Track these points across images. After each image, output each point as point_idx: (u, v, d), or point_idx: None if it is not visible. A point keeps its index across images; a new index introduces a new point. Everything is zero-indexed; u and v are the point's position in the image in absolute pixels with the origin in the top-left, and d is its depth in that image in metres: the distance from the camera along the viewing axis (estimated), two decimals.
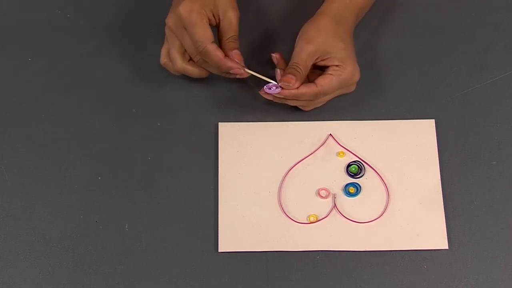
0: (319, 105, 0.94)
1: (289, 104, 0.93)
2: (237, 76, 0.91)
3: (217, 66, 0.90)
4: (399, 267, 0.89)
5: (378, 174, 0.93)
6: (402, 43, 1.00)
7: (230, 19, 0.91)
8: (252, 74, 0.91)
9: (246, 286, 0.88)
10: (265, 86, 0.90)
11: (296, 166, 0.93)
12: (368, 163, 0.93)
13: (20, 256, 0.89)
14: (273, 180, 0.93)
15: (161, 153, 0.94)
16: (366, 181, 0.93)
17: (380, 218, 0.91)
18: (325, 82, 0.90)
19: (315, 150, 0.94)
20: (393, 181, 0.93)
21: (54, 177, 0.93)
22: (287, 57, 0.92)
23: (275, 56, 0.92)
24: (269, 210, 0.91)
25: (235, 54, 0.90)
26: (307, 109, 0.95)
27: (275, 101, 0.91)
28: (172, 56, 0.92)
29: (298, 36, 0.91)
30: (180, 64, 0.92)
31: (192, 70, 0.92)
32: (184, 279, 0.88)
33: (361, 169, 0.93)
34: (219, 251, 0.89)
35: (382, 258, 0.89)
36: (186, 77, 0.94)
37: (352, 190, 0.92)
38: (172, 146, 0.95)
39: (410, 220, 0.91)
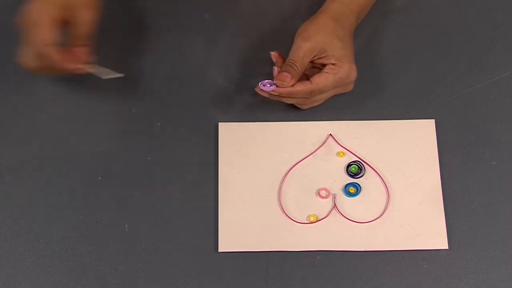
0: (316, 104, 0.94)
1: (285, 101, 0.93)
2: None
3: (56, 68, 0.89)
4: (399, 267, 0.89)
5: (378, 174, 0.93)
6: (402, 43, 1.00)
7: (82, 17, 0.89)
8: (92, 72, 0.91)
9: (246, 286, 0.88)
10: (260, 83, 0.90)
11: (296, 166, 0.93)
12: (368, 163, 0.93)
13: (20, 256, 0.89)
14: (273, 180, 0.93)
15: (161, 153, 0.94)
16: (366, 181, 0.93)
17: (380, 218, 0.91)
18: (320, 80, 0.90)
19: (315, 150, 0.94)
20: (393, 181, 0.93)
21: (54, 177, 0.93)
22: (286, 57, 0.91)
23: (273, 55, 0.93)
24: (269, 210, 0.91)
25: (79, 52, 0.89)
26: (304, 107, 0.95)
27: (271, 98, 0.91)
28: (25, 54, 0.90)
29: (297, 33, 0.91)
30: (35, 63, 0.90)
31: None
32: (184, 279, 0.88)
33: (361, 169, 0.93)
34: (219, 251, 0.89)
35: (382, 258, 0.89)
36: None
37: (352, 190, 0.92)
38: (172, 146, 0.95)
39: (410, 220, 0.91)
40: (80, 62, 0.89)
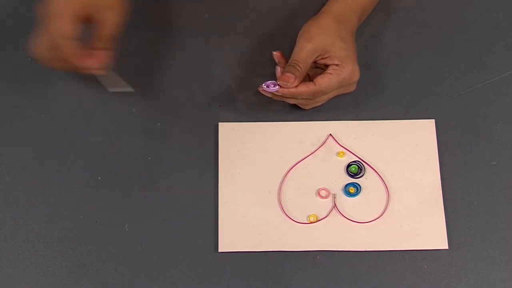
0: (319, 104, 0.94)
1: (288, 102, 0.93)
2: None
3: (68, 63, 0.86)
4: (399, 267, 0.89)
5: (378, 174, 0.93)
6: (402, 43, 1.00)
7: (105, 18, 0.87)
8: (101, 80, 0.89)
9: (246, 286, 0.88)
10: (263, 84, 0.90)
11: (296, 166, 0.93)
12: (368, 163, 0.93)
13: (20, 256, 0.89)
14: (273, 180, 0.93)
15: (161, 153, 0.94)
16: (366, 181, 0.93)
17: (380, 218, 0.91)
18: (324, 81, 0.90)
19: (315, 150, 0.94)
20: (393, 181, 0.93)
21: (54, 177, 0.93)
22: (288, 57, 0.91)
23: (276, 55, 0.93)
24: (269, 210, 0.91)
25: (99, 54, 0.86)
26: (306, 107, 0.95)
27: (274, 98, 0.91)
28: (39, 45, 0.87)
29: (299, 34, 0.91)
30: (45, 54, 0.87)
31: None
32: (184, 279, 0.88)
33: (361, 169, 0.93)
34: (219, 251, 0.89)
35: (382, 258, 0.89)
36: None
37: (352, 190, 0.92)
38: (172, 146, 0.95)
39: (410, 220, 0.91)
40: (96, 64, 0.86)
